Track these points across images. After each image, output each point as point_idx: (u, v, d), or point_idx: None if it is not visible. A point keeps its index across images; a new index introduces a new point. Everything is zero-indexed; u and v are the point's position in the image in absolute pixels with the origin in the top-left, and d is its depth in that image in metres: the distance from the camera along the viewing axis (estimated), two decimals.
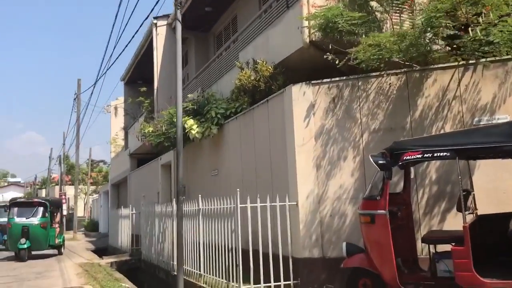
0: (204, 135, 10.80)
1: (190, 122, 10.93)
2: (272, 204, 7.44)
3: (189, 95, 12.50)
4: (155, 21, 16.86)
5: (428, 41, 6.97)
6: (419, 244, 6.74)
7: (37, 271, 12.12)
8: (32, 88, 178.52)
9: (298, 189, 7.45)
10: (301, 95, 7.71)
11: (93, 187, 43.48)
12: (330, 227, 7.40)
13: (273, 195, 7.77)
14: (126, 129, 22.88)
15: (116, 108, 27.51)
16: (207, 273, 8.63)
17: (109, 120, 28.42)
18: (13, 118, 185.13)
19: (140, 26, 12.60)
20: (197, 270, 9.09)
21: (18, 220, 14.93)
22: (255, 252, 7.28)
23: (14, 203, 16.02)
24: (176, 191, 8.57)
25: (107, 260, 14.45)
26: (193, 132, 10.80)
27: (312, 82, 7.73)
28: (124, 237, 16.63)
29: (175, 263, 9.71)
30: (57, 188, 44.37)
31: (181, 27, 8.71)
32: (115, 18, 23.53)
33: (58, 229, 16.66)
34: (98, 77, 25.95)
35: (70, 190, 36.65)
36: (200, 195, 9.12)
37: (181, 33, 8.76)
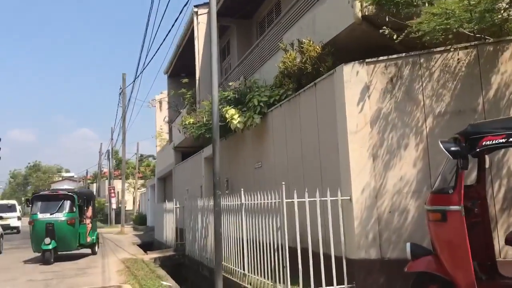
0: (246, 125, 10.13)
1: (231, 111, 10.29)
2: (322, 199, 6.66)
3: (230, 83, 11.88)
4: (195, 10, 16.40)
5: (507, 5, 5.90)
6: (497, 245, 5.78)
7: (79, 267, 11.97)
8: (84, 85, 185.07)
9: (351, 182, 6.60)
10: (353, 76, 6.83)
11: (141, 181, 44.19)
12: (389, 225, 6.52)
13: (323, 189, 6.99)
14: (170, 122, 22.74)
15: (160, 102, 27.55)
16: (251, 273, 8.00)
17: (154, 114, 28.57)
18: (67, 115, 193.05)
19: (180, 13, 12.13)
20: (241, 269, 8.49)
21: (41, 216, 12.99)
22: (304, 251, 6.54)
23: (36, 196, 13.91)
24: (214, 184, 7.93)
25: (151, 256, 14.20)
26: (235, 122, 10.16)
27: (367, 60, 6.83)
28: (168, 232, 16.37)
29: None
30: (107, 182, 45.47)
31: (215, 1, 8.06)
32: (151, 6, 23.30)
33: (89, 226, 14.68)
34: (137, 75, 25.89)
35: (119, 184, 37.25)
36: (242, 189, 8.48)
37: (215, 6, 8.10)
